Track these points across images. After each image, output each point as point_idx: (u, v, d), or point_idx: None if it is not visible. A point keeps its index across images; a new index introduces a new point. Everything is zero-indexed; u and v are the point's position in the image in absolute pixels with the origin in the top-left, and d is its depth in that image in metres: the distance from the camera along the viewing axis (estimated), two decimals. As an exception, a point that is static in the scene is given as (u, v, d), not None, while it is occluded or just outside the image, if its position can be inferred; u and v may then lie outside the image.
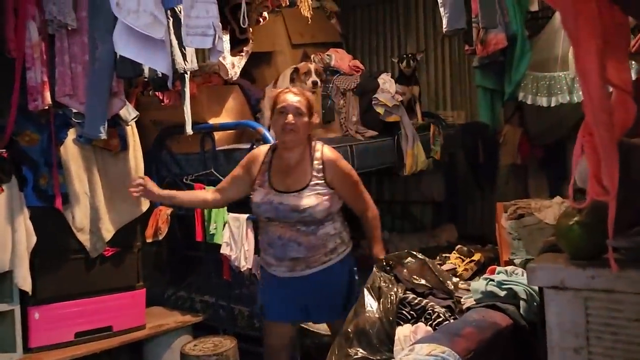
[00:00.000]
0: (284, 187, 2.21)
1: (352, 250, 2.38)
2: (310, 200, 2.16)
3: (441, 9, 2.50)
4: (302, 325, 2.95)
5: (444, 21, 2.50)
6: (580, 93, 2.83)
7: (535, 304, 2.06)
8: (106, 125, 2.39)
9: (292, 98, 2.20)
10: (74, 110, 2.68)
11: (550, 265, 1.57)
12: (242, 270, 2.95)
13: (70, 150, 2.85)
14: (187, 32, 1.76)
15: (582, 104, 1.22)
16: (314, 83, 3.35)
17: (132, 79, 2.59)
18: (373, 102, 3.52)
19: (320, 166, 2.22)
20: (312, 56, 3.84)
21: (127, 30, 1.57)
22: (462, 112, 4.72)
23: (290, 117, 2.17)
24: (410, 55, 3.93)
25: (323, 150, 2.27)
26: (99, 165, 2.96)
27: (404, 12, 4.97)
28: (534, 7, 3.39)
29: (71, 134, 2.85)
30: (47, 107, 2.41)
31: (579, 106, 2.90)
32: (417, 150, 3.65)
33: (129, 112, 2.90)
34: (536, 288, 1.97)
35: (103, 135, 2.38)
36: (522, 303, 2.10)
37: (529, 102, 3.33)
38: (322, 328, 2.99)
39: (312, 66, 3.44)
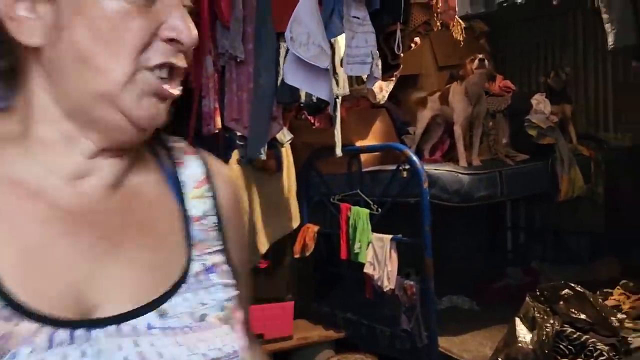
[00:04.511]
0: (82, 298, 0.55)
1: None
2: (220, 335, 0.61)
3: (606, 25, 2.33)
4: (444, 350, 2.87)
5: (610, 38, 2.33)
6: None
7: None
8: (266, 147, 2.62)
9: None
10: (238, 134, 2.96)
11: None
12: (384, 290, 2.99)
13: (233, 169, 3.15)
14: (347, 60, 1.88)
15: None
16: (481, 60, 3.03)
17: (289, 104, 2.79)
18: (525, 124, 3.37)
19: (211, 200, 0.68)
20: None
21: (297, 61, 1.73)
22: (628, 134, 4.29)
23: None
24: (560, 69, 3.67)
25: (207, 158, 0.72)
26: (257, 184, 3.22)
27: (561, 29, 4.69)
28: None
29: (234, 155, 3.12)
30: (217, 131, 2.71)
31: None
32: (574, 174, 3.40)
33: (284, 135, 3.13)
34: None
35: (263, 156, 2.61)
36: None
37: None
38: (466, 356, 2.89)
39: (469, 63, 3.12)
